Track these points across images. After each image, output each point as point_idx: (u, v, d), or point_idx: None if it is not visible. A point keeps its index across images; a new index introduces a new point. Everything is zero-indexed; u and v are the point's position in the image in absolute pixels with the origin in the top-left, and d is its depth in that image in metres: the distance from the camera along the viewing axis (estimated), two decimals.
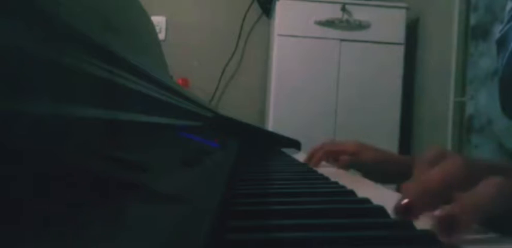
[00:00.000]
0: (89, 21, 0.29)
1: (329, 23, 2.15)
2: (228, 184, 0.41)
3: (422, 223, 0.31)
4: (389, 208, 0.35)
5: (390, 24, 2.17)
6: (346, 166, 0.76)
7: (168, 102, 0.52)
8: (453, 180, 0.32)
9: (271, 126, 2.10)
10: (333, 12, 2.15)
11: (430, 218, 0.29)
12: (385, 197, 0.45)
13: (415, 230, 0.30)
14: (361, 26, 2.16)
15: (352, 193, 0.44)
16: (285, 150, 1.12)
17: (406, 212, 0.31)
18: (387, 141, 2.02)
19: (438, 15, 2.14)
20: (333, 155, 0.79)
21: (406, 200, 0.31)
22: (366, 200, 0.39)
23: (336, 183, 0.52)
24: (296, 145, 1.19)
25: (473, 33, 1.75)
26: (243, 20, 2.46)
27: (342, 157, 0.76)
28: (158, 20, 2.34)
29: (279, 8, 2.15)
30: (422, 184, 0.33)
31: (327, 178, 0.58)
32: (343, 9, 2.16)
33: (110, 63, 0.27)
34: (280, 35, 2.14)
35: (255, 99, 2.47)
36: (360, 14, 2.17)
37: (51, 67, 0.19)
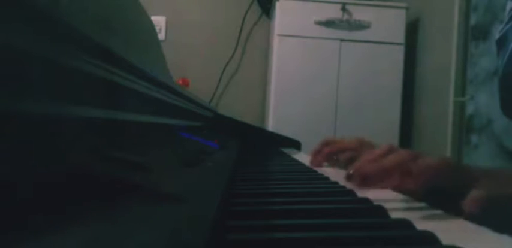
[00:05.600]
0: (89, 21, 0.29)
1: (329, 23, 2.15)
2: (228, 184, 0.41)
3: (423, 223, 0.31)
4: (389, 207, 0.35)
5: (390, 24, 2.17)
6: (347, 162, 0.76)
7: (168, 102, 0.52)
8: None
9: (271, 126, 2.10)
10: (333, 12, 2.15)
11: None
12: (384, 195, 0.45)
13: (415, 230, 0.30)
14: (361, 26, 2.16)
15: (352, 193, 0.45)
16: (285, 150, 1.12)
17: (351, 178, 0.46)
18: (387, 141, 2.00)
19: (438, 15, 2.14)
20: (334, 154, 0.78)
21: (353, 170, 0.46)
22: (366, 200, 0.39)
23: (336, 182, 0.52)
24: (296, 145, 1.19)
25: (473, 33, 1.75)
26: (243, 20, 2.47)
27: (342, 154, 0.76)
28: (158, 20, 2.34)
29: (279, 8, 2.15)
30: (363, 162, 0.48)
31: (327, 178, 0.58)
32: (343, 9, 2.16)
33: (110, 63, 0.27)
34: (280, 35, 2.14)
35: (255, 99, 2.47)
36: (360, 14, 2.17)
37: (50, 67, 0.19)
